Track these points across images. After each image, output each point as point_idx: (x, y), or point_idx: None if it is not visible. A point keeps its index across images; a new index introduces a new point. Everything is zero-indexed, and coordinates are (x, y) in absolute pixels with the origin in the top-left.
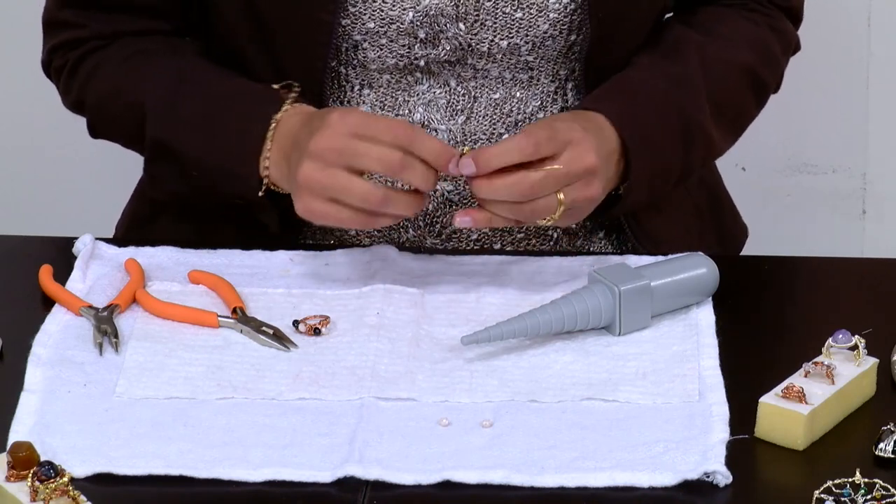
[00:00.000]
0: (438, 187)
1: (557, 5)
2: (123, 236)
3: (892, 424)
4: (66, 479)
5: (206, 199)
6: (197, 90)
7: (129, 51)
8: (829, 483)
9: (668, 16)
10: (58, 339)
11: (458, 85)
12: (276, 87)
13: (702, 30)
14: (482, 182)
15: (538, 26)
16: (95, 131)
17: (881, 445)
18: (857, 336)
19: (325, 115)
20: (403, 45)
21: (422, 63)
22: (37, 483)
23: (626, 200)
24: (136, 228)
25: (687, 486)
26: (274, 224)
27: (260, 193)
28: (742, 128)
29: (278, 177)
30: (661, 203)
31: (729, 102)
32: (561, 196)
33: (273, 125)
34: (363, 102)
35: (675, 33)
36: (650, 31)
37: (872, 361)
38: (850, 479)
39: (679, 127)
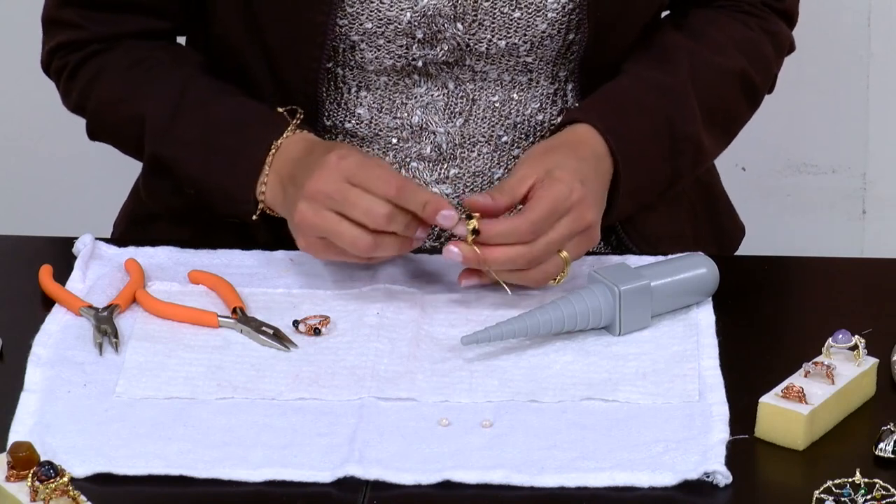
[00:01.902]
0: (437, 190)
1: (555, 5)
2: (121, 235)
3: (892, 424)
4: (66, 479)
5: (201, 212)
6: (198, 109)
7: (132, 58)
8: (829, 483)
9: (664, 14)
10: (58, 339)
11: (456, 87)
12: (281, 110)
13: (693, 34)
14: (485, 254)
15: (536, 26)
16: (94, 135)
17: (881, 445)
18: (857, 336)
19: (324, 154)
20: (401, 46)
21: (419, 64)
22: (37, 483)
23: (613, 212)
24: (133, 227)
25: (687, 486)
26: (267, 241)
27: (254, 217)
28: (734, 132)
29: (273, 202)
30: (655, 203)
31: (720, 108)
32: (565, 254)
33: (273, 151)
34: (360, 104)
35: (666, 39)
36: (643, 31)
37: (872, 361)
38: (850, 479)
39: (668, 138)
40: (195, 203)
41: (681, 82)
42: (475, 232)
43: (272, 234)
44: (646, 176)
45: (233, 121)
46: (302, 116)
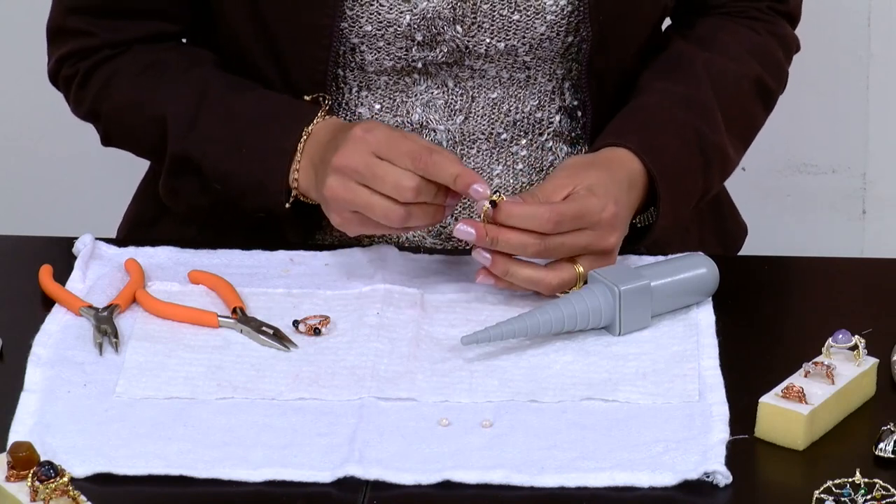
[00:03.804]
0: None
1: (554, 7)
2: (126, 237)
3: (892, 424)
4: (66, 479)
5: (226, 210)
6: (221, 105)
7: (145, 61)
8: (829, 483)
9: (665, 26)
10: (58, 339)
11: (455, 85)
12: (307, 98)
13: (704, 44)
14: (498, 233)
15: (535, 28)
16: (109, 141)
17: (881, 445)
18: (857, 336)
19: (350, 128)
20: (401, 48)
21: (419, 65)
22: (37, 483)
23: (655, 230)
24: (138, 231)
25: (687, 486)
26: (297, 235)
27: (287, 205)
28: (752, 137)
29: (306, 186)
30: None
31: (740, 115)
32: (581, 269)
33: (304, 138)
34: (361, 104)
35: (679, 51)
36: (650, 34)
37: (872, 361)
38: (850, 479)
39: (698, 151)
40: (222, 199)
41: (703, 93)
42: (493, 204)
43: (299, 227)
44: (683, 192)
45: (259, 113)
46: (330, 103)
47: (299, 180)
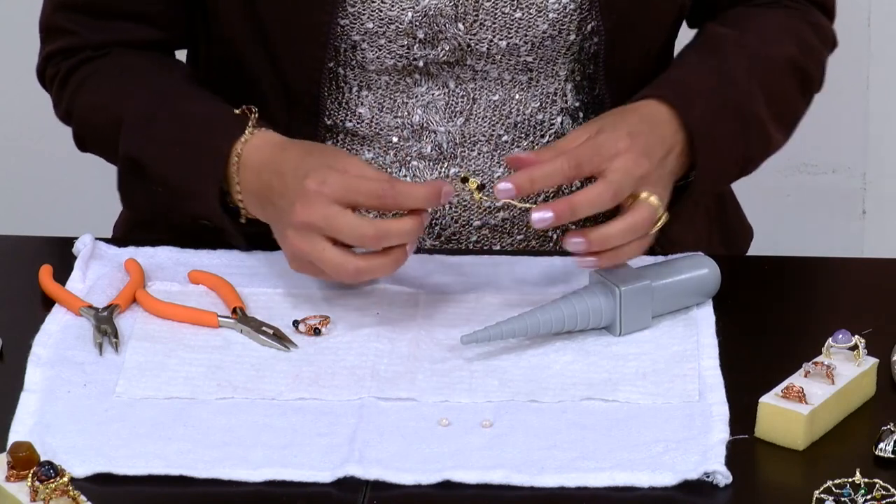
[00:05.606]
0: None
1: (556, 5)
2: (125, 238)
3: (892, 424)
4: (66, 479)
5: (173, 216)
6: (171, 110)
7: (120, 66)
8: (829, 483)
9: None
10: (58, 339)
11: (457, 86)
12: (236, 111)
13: (738, 26)
14: (571, 200)
15: (537, 26)
16: (81, 144)
17: (881, 445)
18: (857, 336)
19: (300, 179)
20: (402, 46)
21: (420, 64)
22: (37, 483)
23: (695, 188)
24: (133, 230)
25: (687, 486)
26: (241, 244)
27: (242, 220)
28: (791, 120)
29: (256, 212)
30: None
31: (777, 94)
32: (653, 199)
33: (236, 159)
34: (361, 104)
35: (713, 33)
36: (667, 35)
37: (872, 361)
38: (850, 479)
39: (736, 117)
40: (164, 204)
41: (739, 69)
42: (481, 188)
43: (241, 237)
44: (719, 153)
45: (198, 119)
46: (256, 115)
47: (245, 204)
